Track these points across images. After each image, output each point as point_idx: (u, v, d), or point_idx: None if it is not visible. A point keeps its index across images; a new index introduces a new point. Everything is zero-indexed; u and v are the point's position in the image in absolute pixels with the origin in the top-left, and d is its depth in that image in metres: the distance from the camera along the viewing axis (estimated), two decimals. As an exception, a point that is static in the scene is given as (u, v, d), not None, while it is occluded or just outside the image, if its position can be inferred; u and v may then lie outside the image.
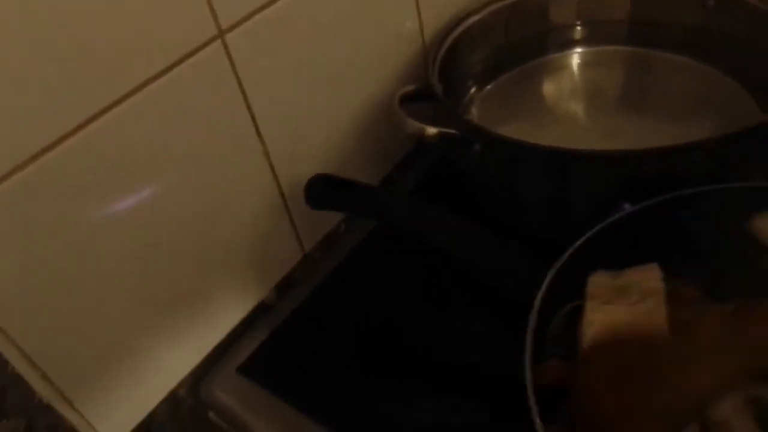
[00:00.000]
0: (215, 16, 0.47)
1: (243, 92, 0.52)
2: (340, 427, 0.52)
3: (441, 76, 0.65)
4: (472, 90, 0.73)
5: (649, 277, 0.43)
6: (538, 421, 0.37)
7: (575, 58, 0.76)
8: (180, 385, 0.56)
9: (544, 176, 0.57)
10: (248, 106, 0.53)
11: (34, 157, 0.40)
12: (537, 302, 0.43)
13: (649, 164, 0.53)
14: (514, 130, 0.66)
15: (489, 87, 0.74)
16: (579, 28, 0.76)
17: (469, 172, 0.64)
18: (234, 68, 0.51)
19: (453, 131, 0.58)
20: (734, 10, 0.67)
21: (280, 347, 0.59)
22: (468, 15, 0.70)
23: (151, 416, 0.54)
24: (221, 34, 0.48)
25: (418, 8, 0.67)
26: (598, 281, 0.45)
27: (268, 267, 0.61)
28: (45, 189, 0.41)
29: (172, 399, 0.56)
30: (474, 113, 0.72)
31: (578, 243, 0.46)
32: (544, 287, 0.44)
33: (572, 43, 0.76)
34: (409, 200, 0.55)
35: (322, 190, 0.56)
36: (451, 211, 0.52)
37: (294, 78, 0.56)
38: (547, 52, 0.76)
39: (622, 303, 0.42)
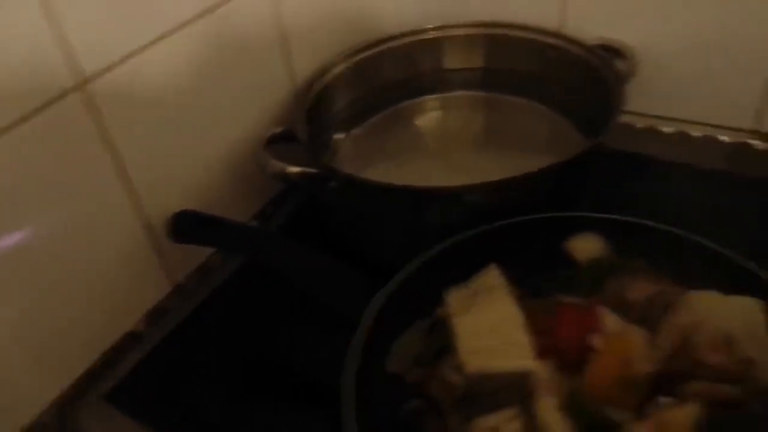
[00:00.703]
0: (75, 66, 0.52)
1: (106, 135, 0.56)
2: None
3: (310, 119, 0.71)
4: (341, 133, 0.79)
5: (491, 277, 0.51)
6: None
7: (435, 102, 0.84)
8: (45, 413, 0.58)
9: (388, 210, 0.63)
10: (113, 149, 0.57)
11: None
12: (365, 321, 0.49)
13: (482, 195, 0.60)
14: (379, 169, 0.74)
15: (356, 130, 0.80)
16: (439, 75, 0.84)
17: (331, 207, 0.69)
18: (98, 116, 0.55)
19: (312, 170, 0.64)
20: (568, 60, 0.76)
21: (148, 375, 0.62)
22: (336, 62, 0.77)
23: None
24: (81, 84, 0.53)
25: (288, 54, 0.73)
26: (455, 297, 0.52)
27: (136, 298, 0.64)
28: None
29: (37, 427, 0.57)
30: (342, 154, 0.78)
31: (411, 267, 0.53)
32: (375, 308, 0.50)
33: (433, 89, 0.84)
34: (260, 233, 0.60)
35: (183, 225, 0.60)
36: (307, 243, 0.58)
37: (161, 120, 0.61)
38: (411, 97, 0.83)
39: (476, 308, 0.49)
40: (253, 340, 0.64)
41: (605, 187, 0.71)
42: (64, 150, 0.53)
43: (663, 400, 0.44)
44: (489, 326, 0.49)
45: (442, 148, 0.79)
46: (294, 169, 0.64)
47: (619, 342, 0.47)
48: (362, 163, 0.75)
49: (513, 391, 0.46)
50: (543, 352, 0.47)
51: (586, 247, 0.56)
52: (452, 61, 0.84)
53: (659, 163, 0.78)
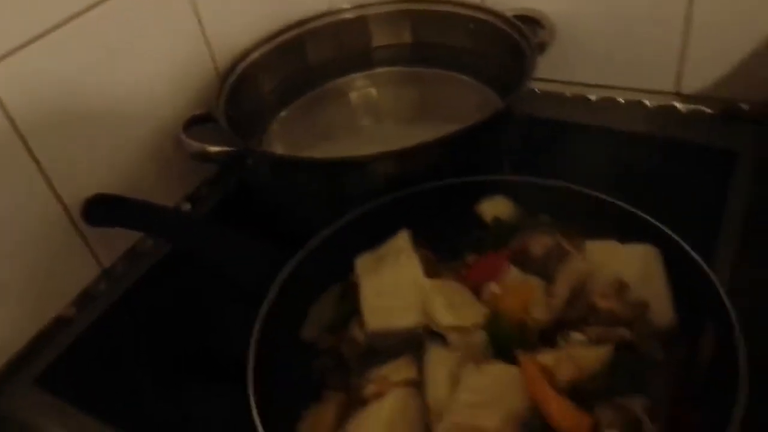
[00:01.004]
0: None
1: (12, 122, 0.57)
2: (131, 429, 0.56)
3: (234, 100, 0.72)
4: (271, 115, 0.80)
5: (399, 240, 0.53)
6: (253, 404, 0.44)
7: (364, 80, 0.85)
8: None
9: (306, 184, 0.64)
10: (21, 137, 0.58)
11: None
12: (271, 292, 0.51)
13: (397, 163, 0.62)
14: (311, 149, 0.74)
15: (285, 111, 0.81)
16: (366, 52, 0.85)
17: (254, 188, 0.70)
18: (3, 107, 0.55)
19: (230, 149, 0.65)
20: (489, 31, 0.77)
21: (77, 359, 0.63)
22: (259, 44, 0.78)
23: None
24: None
25: (205, 37, 0.74)
26: (363, 260, 0.54)
27: (64, 282, 0.65)
28: None
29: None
30: (273, 136, 0.78)
31: (324, 234, 0.55)
32: (282, 278, 0.52)
33: (360, 67, 0.85)
34: (169, 212, 0.62)
35: (94, 209, 0.62)
36: (236, 227, 0.60)
37: (74, 104, 0.62)
38: (339, 75, 0.84)
39: (383, 270, 0.51)
40: (181, 324, 0.65)
41: (530, 154, 0.73)
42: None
43: (576, 336, 0.46)
44: (391, 287, 0.51)
45: (372, 124, 0.80)
46: (213, 149, 0.65)
47: (517, 291, 0.49)
48: (293, 144, 0.76)
49: (410, 345, 0.48)
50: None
51: (494, 208, 0.58)
52: (379, 38, 0.85)
53: (586, 128, 0.79)
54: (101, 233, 0.66)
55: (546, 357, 0.44)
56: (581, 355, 0.44)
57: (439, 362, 0.46)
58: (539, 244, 0.53)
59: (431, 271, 0.52)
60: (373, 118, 0.81)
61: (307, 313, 0.54)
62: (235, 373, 0.58)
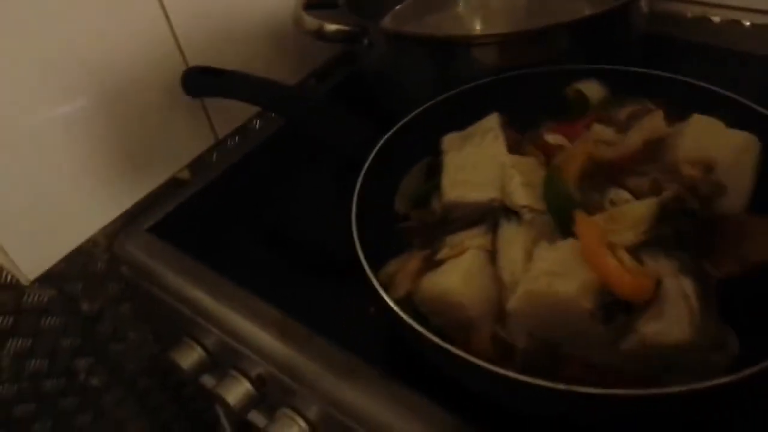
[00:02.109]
0: None
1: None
2: (233, 275, 0.59)
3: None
4: (381, 8, 0.81)
5: (488, 121, 0.53)
6: (359, 248, 0.46)
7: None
8: (94, 241, 0.64)
9: (428, 62, 0.65)
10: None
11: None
12: (369, 159, 0.52)
13: (510, 46, 0.61)
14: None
15: (398, 7, 0.81)
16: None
17: (367, 68, 0.71)
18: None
19: (347, 27, 0.66)
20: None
21: (187, 214, 0.66)
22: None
23: (67, 265, 0.62)
24: None
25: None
26: (450, 138, 0.54)
27: (181, 146, 0.69)
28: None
29: (87, 253, 0.63)
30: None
31: (418, 110, 0.56)
32: (375, 149, 0.53)
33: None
34: (271, 84, 0.62)
35: (195, 79, 0.64)
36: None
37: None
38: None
39: (469, 147, 0.52)
40: (285, 195, 0.68)
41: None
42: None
43: (619, 192, 0.46)
44: (473, 162, 0.51)
45: (482, 29, 0.79)
46: (330, 27, 0.66)
47: (588, 136, 0.49)
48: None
49: (484, 219, 0.48)
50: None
51: (585, 89, 0.57)
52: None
53: (707, 49, 0.76)
54: (220, 105, 0.69)
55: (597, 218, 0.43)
56: (626, 212, 0.44)
57: (512, 237, 0.46)
58: (624, 110, 0.52)
59: (517, 151, 0.51)
60: (482, 23, 0.80)
61: (398, 186, 0.55)
62: (324, 237, 0.63)
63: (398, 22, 0.80)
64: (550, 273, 0.41)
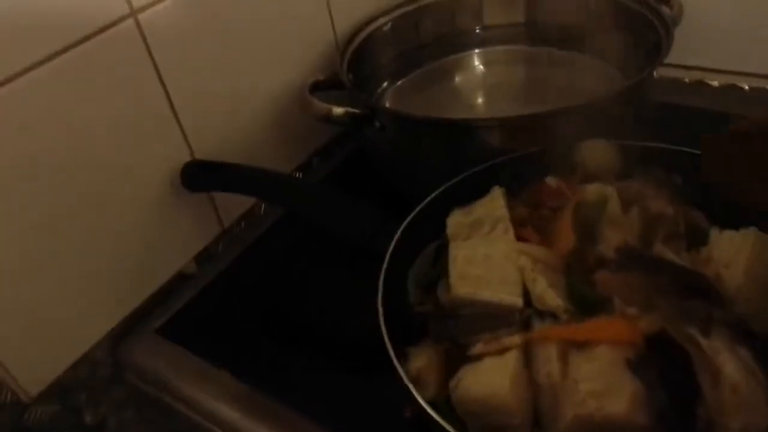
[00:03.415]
0: (127, -3, 0.53)
1: (157, 71, 0.58)
2: (245, 376, 0.56)
3: (351, 69, 0.72)
4: (384, 84, 0.80)
5: (495, 206, 0.51)
6: (392, 352, 0.44)
7: (478, 57, 0.84)
8: (98, 346, 0.59)
9: (430, 143, 0.64)
10: (163, 86, 0.59)
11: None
12: (390, 249, 0.50)
13: (517, 130, 0.61)
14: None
15: (399, 83, 0.81)
16: (481, 30, 0.84)
17: (373, 152, 0.70)
18: (147, 47, 0.56)
19: (356, 111, 0.65)
20: (610, 9, 0.75)
21: (196, 312, 0.63)
22: (377, 16, 0.78)
23: (70, 374, 0.57)
24: (134, 12, 0.54)
25: (329, 7, 0.74)
26: (455, 222, 0.52)
27: (187, 239, 0.66)
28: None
29: (91, 359, 0.59)
30: (385, 105, 0.78)
31: (434, 194, 0.54)
32: (395, 238, 0.51)
33: (475, 44, 0.84)
34: (273, 176, 0.61)
35: (194, 174, 0.62)
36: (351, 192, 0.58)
37: (208, 60, 0.62)
38: (453, 53, 0.84)
39: (477, 236, 0.49)
40: (297, 283, 0.65)
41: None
42: (118, 76, 0.55)
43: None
44: (483, 256, 0.48)
45: (485, 102, 0.79)
46: (338, 110, 0.64)
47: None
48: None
49: (507, 319, 0.46)
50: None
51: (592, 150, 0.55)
52: (492, 16, 0.84)
53: (705, 114, 0.76)
54: (227, 195, 0.67)
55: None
56: None
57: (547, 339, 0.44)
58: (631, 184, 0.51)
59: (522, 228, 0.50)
60: (486, 97, 0.80)
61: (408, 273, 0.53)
62: (342, 330, 0.60)
63: (399, 98, 0.79)
64: (595, 394, 0.39)
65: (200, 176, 0.63)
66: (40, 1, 0.48)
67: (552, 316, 0.45)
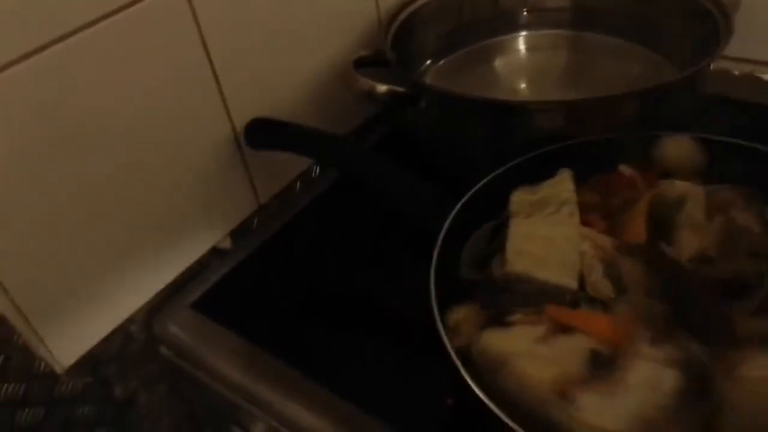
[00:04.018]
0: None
1: (203, 40, 0.56)
2: (283, 353, 0.54)
3: (395, 46, 0.70)
4: (426, 63, 0.78)
5: (562, 188, 0.49)
6: (441, 327, 0.43)
7: (521, 40, 0.81)
8: (132, 320, 0.58)
9: (481, 125, 0.61)
10: (209, 58, 0.57)
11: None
12: (444, 229, 0.49)
13: (564, 116, 0.59)
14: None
15: (441, 63, 0.79)
16: (526, 13, 0.81)
17: (417, 129, 0.68)
18: (194, 14, 0.54)
19: (401, 89, 0.63)
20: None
21: (232, 287, 0.62)
22: (420, -5, 0.76)
23: (103, 346, 0.56)
24: (184, -21, 0.52)
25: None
26: (519, 199, 0.51)
27: (223, 214, 0.64)
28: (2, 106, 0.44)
29: (124, 332, 0.58)
30: (423, 81, 0.76)
31: (492, 175, 0.53)
32: (451, 216, 0.50)
33: (519, 27, 0.81)
34: (337, 139, 0.60)
35: (260, 131, 0.61)
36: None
37: (254, 31, 0.60)
38: (496, 35, 0.81)
39: (540, 215, 0.47)
40: (329, 261, 0.64)
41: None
42: (163, 44, 0.53)
43: None
44: (544, 236, 0.47)
45: (527, 87, 0.77)
46: (382, 88, 0.63)
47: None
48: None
49: (545, 297, 0.45)
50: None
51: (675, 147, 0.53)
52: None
53: (756, 107, 0.74)
54: (264, 169, 0.66)
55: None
56: None
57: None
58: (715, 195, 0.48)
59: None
60: (527, 80, 0.78)
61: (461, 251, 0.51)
62: (380, 308, 0.59)
63: (440, 78, 0.77)
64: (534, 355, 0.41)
65: (264, 133, 0.63)
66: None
67: (602, 304, 0.44)
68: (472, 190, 0.52)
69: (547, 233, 0.47)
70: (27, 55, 0.45)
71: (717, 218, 0.46)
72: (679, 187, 0.47)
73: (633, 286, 0.43)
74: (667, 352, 0.39)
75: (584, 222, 0.47)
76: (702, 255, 0.43)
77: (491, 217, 0.52)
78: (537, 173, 0.52)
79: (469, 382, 0.40)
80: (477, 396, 0.39)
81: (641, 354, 0.39)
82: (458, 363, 0.41)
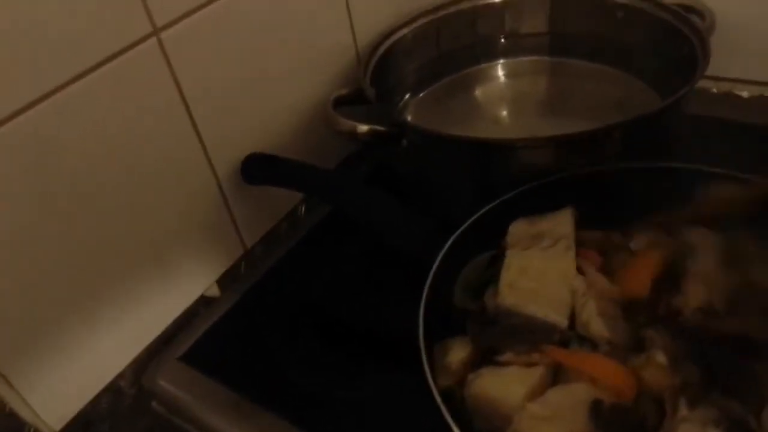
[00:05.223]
0: (150, 15, 0.51)
1: (179, 89, 0.55)
2: (276, 405, 0.54)
3: (374, 82, 0.70)
4: (406, 96, 0.78)
5: (561, 222, 0.50)
6: (427, 369, 0.43)
7: (500, 68, 0.82)
8: (121, 375, 0.58)
9: (466, 163, 0.61)
10: (185, 104, 0.56)
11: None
12: (435, 265, 0.49)
13: (549, 151, 0.59)
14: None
15: (421, 95, 0.79)
16: (503, 40, 0.82)
17: (399, 165, 0.68)
18: (170, 66, 0.54)
19: (383, 128, 0.63)
20: (639, 20, 0.73)
21: (221, 337, 0.61)
22: (399, 27, 0.76)
23: (93, 405, 0.56)
24: (156, 32, 0.52)
25: (350, 18, 0.72)
26: (517, 230, 0.51)
27: (210, 261, 0.64)
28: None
29: (113, 389, 0.57)
30: (407, 118, 0.76)
31: (486, 208, 0.53)
32: (443, 250, 0.50)
33: (498, 54, 0.82)
34: (333, 175, 0.61)
35: (255, 165, 0.62)
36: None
37: (230, 77, 0.60)
38: (475, 63, 0.81)
39: (537, 248, 0.48)
40: (318, 305, 0.64)
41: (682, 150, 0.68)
42: (140, 96, 0.53)
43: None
44: (538, 270, 0.48)
45: (509, 115, 0.77)
46: (363, 128, 0.62)
47: None
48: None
49: (535, 334, 0.45)
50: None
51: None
52: (516, 25, 0.81)
53: (737, 126, 0.74)
54: (248, 213, 0.65)
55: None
56: None
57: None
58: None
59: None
60: (509, 109, 0.78)
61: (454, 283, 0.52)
62: (369, 347, 0.58)
63: (421, 111, 0.77)
64: (536, 417, 0.40)
65: (260, 167, 0.63)
66: (59, 22, 0.46)
67: (592, 343, 0.45)
68: (464, 225, 0.52)
69: (541, 267, 0.47)
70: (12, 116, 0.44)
71: (732, 270, 0.45)
72: (692, 235, 0.47)
73: (650, 343, 0.42)
74: (707, 414, 0.38)
75: (581, 258, 0.47)
76: (708, 307, 0.43)
77: (483, 249, 0.52)
78: (530, 206, 0.53)
79: (452, 425, 0.40)
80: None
81: (682, 417, 0.38)
82: (441, 405, 0.41)
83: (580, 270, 0.48)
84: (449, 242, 0.50)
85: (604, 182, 0.54)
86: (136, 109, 0.53)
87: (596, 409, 0.40)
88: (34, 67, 0.45)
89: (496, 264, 0.50)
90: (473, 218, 0.52)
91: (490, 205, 0.53)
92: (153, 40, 0.52)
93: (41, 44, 0.45)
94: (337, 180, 0.61)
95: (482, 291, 0.50)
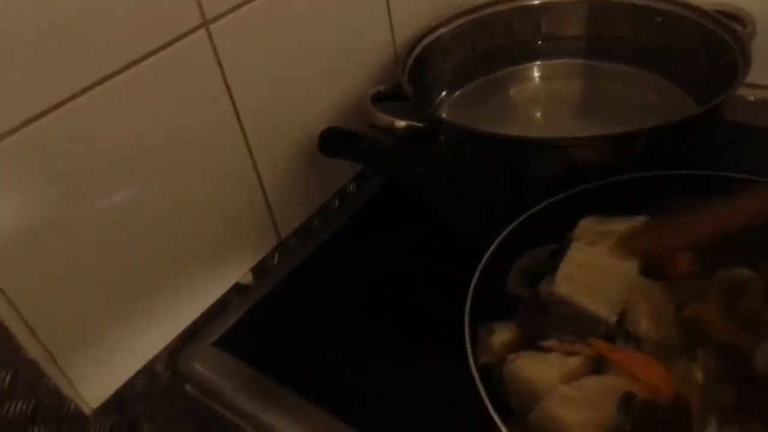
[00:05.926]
0: (201, 7, 0.52)
1: (225, 81, 0.57)
2: (308, 391, 0.55)
3: (411, 80, 0.70)
4: (442, 95, 0.79)
5: (633, 226, 0.50)
6: (468, 340, 0.45)
7: (536, 70, 0.82)
8: (157, 358, 0.59)
9: (502, 160, 0.62)
10: (230, 95, 0.58)
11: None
12: (490, 250, 0.51)
13: (586, 151, 0.60)
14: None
15: (456, 93, 0.80)
16: (540, 42, 0.82)
17: (435, 165, 0.68)
18: (217, 58, 0.55)
19: (420, 124, 0.63)
20: (679, 25, 0.73)
21: (254, 324, 0.62)
22: (437, 26, 0.76)
23: (129, 386, 0.57)
24: (206, 23, 0.53)
25: (390, 17, 0.73)
26: (585, 226, 0.52)
27: (245, 250, 0.65)
28: (30, 156, 0.45)
29: (149, 371, 0.58)
30: (443, 116, 0.77)
31: (546, 202, 0.54)
32: (501, 236, 0.52)
33: (534, 56, 0.82)
34: (399, 152, 0.64)
35: (333, 139, 0.66)
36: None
37: (273, 69, 0.61)
38: (511, 64, 0.82)
39: (601, 245, 0.49)
40: (353, 295, 0.64)
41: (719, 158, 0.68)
42: (186, 87, 0.54)
43: None
44: (599, 266, 0.48)
45: (543, 116, 0.77)
46: (401, 123, 0.63)
47: None
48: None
49: (582, 325, 0.46)
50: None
51: None
52: (553, 28, 0.82)
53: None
54: (284, 205, 0.67)
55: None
56: None
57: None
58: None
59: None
60: (543, 111, 0.78)
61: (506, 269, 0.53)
62: (399, 339, 0.59)
63: (456, 109, 0.78)
64: (565, 398, 0.41)
65: (336, 141, 0.67)
66: (110, 12, 0.47)
67: (637, 343, 0.45)
68: (523, 216, 0.53)
69: (602, 264, 0.48)
70: (52, 108, 0.46)
71: None
72: (743, 274, 0.48)
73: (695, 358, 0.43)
74: None
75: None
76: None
77: (538, 243, 0.54)
78: (590, 206, 0.53)
79: (486, 402, 0.41)
80: (491, 416, 0.40)
81: None
82: (476, 375, 0.42)
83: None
84: (507, 229, 0.52)
85: (664, 188, 0.55)
86: (181, 101, 0.54)
87: (627, 401, 0.40)
88: (82, 58, 0.46)
89: (557, 257, 0.51)
90: (532, 210, 0.54)
91: (550, 200, 0.54)
92: (202, 31, 0.53)
93: (92, 34, 0.46)
94: (404, 158, 0.64)
95: (538, 281, 0.51)
